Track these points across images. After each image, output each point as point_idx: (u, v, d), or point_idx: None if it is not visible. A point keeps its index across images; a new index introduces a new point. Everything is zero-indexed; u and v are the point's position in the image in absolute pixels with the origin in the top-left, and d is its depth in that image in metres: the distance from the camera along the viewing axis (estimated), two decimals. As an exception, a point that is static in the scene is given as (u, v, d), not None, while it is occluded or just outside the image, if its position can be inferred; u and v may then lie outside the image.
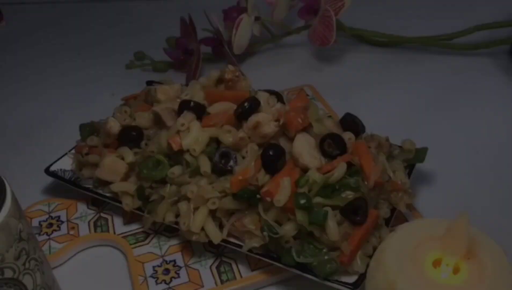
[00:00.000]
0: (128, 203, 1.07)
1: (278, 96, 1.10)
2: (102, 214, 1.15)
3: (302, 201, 0.91)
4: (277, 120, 1.01)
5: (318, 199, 0.93)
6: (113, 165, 1.10)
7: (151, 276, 1.01)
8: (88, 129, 1.21)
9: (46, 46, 1.91)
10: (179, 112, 1.07)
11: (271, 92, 1.10)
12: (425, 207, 1.11)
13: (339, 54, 1.68)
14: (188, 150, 1.01)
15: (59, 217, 1.16)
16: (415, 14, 1.85)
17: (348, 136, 1.02)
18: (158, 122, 1.11)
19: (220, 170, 0.99)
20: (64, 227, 1.13)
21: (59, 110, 1.53)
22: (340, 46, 1.69)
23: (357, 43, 1.73)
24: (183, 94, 1.10)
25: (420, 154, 1.13)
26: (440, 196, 1.14)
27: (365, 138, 1.07)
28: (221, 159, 1.00)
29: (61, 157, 1.22)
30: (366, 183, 0.97)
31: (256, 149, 0.98)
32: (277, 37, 1.70)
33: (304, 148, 0.98)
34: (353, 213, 0.93)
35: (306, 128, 1.03)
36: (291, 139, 1.01)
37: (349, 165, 0.99)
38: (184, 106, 1.06)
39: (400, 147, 1.13)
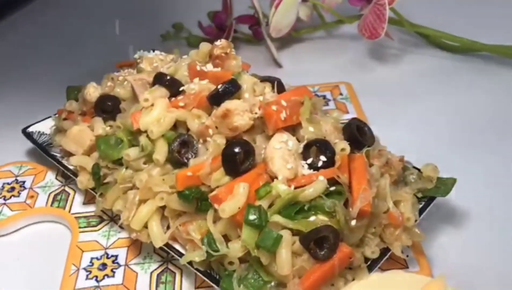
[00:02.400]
0: (83, 181, 0.94)
1: (278, 86, 0.90)
2: (66, 188, 1.04)
3: (252, 217, 0.72)
4: (255, 112, 0.81)
5: (276, 218, 0.73)
6: (79, 136, 0.97)
7: (85, 269, 0.87)
8: (76, 92, 1.09)
9: (84, 11, 1.83)
10: (152, 85, 0.90)
11: (266, 79, 0.91)
12: (439, 255, 0.86)
13: (396, 53, 1.43)
14: (146, 131, 0.85)
15: (24, 182, 1.06)
16: (492, 21, 1.52)
17: (342, 145, 0.80)
18: (135, 94, 0.96)
19: (176, 160, 0.82)
20: (24, 194, 1.03)
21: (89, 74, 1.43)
22: (398, 44, 1.44)
23: (419, 43, 1.46)
24: (165, 66, 0.93)
25: (445, 185, 0.87)
26: (462, 244, 0.88)
27: (369, 152, 0.83)
28: (181, 147, 0.82)
29: (44, 119, 1.12)
30: (349, 209, 0.75)
31: (219, 143, 0.79)
32: (327, 25, 1.48)
33: (277, 152, 0.77)
34: (317, 244, 0.71)
35: (294, 128, 0.83)
36: (268, 138, 0.81)
37: (333, 182, 0.77)
38: (158, 79, 0.89)
39: (419, 171, 0.88)
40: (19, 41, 1.64)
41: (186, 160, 0.81)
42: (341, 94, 1.25)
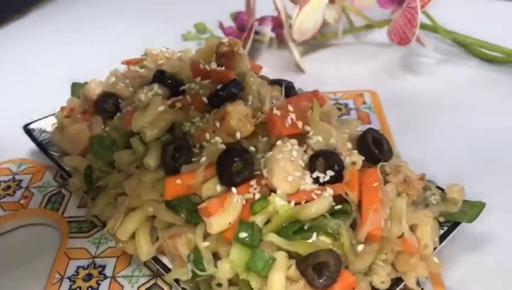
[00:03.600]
0: (75, 183, 0.88)
1: (287, 89, 0.82)
2: (63, 190, 0.98)
3: (243, 234, 0.63)
4: (257, 117, 0.73)
5: (271, 237, 0.64)
6: (76, 135, 0.92)
7: (69, 278, 0.81)
8: (80, 89, 1.04)
9: (104, 10, 1.79)
10: (151, 83, 0.83)
11: (275, 81, 0.82)
12: (460, 289, 0.75)
13: (428, 62, 1.32)
14: (139, 133, 0.78)
15: (21, 181, 1.01)
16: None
17: (353, 158, 0.71)
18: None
19: (168, 166, 0.74)
20: (19, 193, 0.99)
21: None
22: (431, 52, 1.33)
23: (454, 51, 1.35)
24: (168, 64, 0.87)
25: (472, 209, 0.77)
26: (486, 276, 0.77)
27: (384, 167, 0.74)
28: (175, 152, 0.75)
29: (47, 116, 1.07)
30: (357, 232, 0.66)
31: (216, 149, 0.72)
32: (355, 29, 1.38)
33: (278, 162, 0.69)
34: (316, 270, 0.62)
35: (302, 137, 0.74)
36: (271, 147, 0.73)
37: (340, 200, 0.68)
38: (157, 77, 0.83)
39: (443, 192, 0.78)
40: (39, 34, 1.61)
41: (178, 167, 0.73)
42: (364, 103, 1.16)
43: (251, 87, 0.77)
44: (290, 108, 0.74)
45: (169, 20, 1.64)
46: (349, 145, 0.76)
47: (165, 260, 0.75)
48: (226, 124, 0.72)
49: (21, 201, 0.96)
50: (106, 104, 0.92)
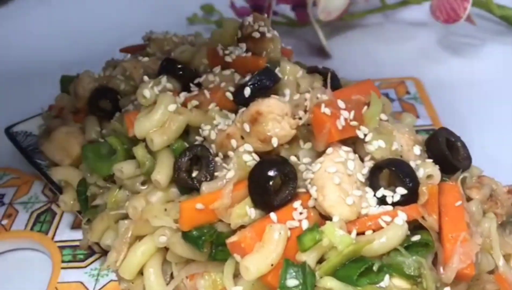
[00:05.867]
0: (66, 202, 0.71)
1: (333, 80, 0.64)
2: (53, 206, 0.82)
3: (292, 282, 0.47)
4: (298, 117, 0.56)
5: (329, 283, 0.48)
6: (66, 140, 0.76)
7: (60, 325, 0.64)
8: (71, 84, 0.86)
9: None
10: (158, 75, 0.66)
11: (315, 69, 0.65)
12: None
13: (473, 42, 1.15)
14: (144, 140, 0.61)
15: (3, 195, 0.86)
16: None
17: (429, 170, 0.53)
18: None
19: (184, 183, 0.57)
20: (1, 211, 0.84)
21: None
22: (479, 33, 1.14)
23: (505, 31, 1.16)
24: (177, 50, 0.69)
25: None
26: None
27: (465, 180, 0.56)
28: (192, 165, 0.58)
29: (33, 117, 0.90)
30: (439, 271, 0.49)
31: (246, 161, 0.54)
32: (388, 7, 1.20)
33: (332, 178, 0.52)
34: (394, 328, 0.46)
35: (354, 141, 0.57)
36: (317, 155, 0.55)
37: (416, 226, 0.51)
38: (165, 67, 0.65)
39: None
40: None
41: (197, 184, 0.56)
42: (408, 92, 0.99)
43: (288, 78, 0.59)
44: (341, 104, 0.56)
45: (172, 2, 1.45)
46: (416, 150, 0.59)
47: (182, 303, 0.58)
48: (259, 128, 0.55)
49: (3, 222, 0.82)
50: (102, 102, 0.75)
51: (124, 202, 0.64)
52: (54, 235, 0.77)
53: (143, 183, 0.62)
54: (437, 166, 0.55)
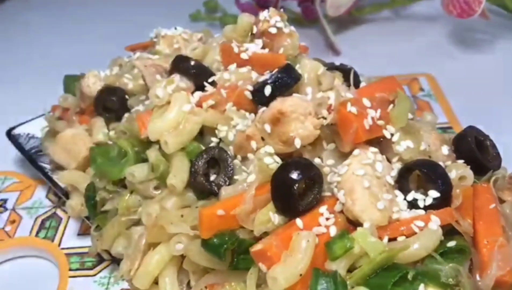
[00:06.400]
0: (74, 207, 0.68)
1: (348, 75, 0.61)
2: (58, 211, 0.78)
3: (323, 293, 0.43)
4: (321, 116, 0.53)
5: (361, 293, 0.44)
6: (72, 142, 0.72)
7: (71, 337, 0.61)
8: (75, 84, 0.83)
9: None
10: (170, 74, 0.63)
11: (335, 66, 0.62)
12: None
13: (489, 38, 1.12)
14: (158, 142, 0.57)
15: (6, 201, 0.83)
16: None
17: (461, 171, 0.51)
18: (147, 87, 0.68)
19: (201, 187, 0.54)
20: (4, 217, 0.80)
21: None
22: (491, 28, 1.12)
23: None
24: (189, 48, 0.66)
25: None
26: None
27: (496, 181, 0.54)
28: (209, 168, 0.55)
29: (35, 118, 0.86)
30: (475, 278, 0.46)
31: (268, 164, 0.51)
32: (397, 2, 1.18)
33: (361, 181, 0.49)
34: None
35: (380, 142, 0.54)
36: (342, 157, 0.52)
37: (449, 231, 0.48)
38: (177, 66, 0.62)
39: None
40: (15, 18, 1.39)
41: (216, 188, 0.53)
42: (422, 89, 0.96)
43: (309, 75, 0.56)
44: (367, 102, 0.53)
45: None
46: (445, 150, 0.56)
47: (200, 314, 0.55)
48: (281, 128, 0.52)
49: (7, 228, 0.78)
50: (109, 102, 0.72)
51: (136, 207, 0.61)
52: (60, 241, 0.74)
53: (156, 188, 0.59)
54: (467, 167, 0.52)
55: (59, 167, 0.75)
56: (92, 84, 0.75)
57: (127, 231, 0.62)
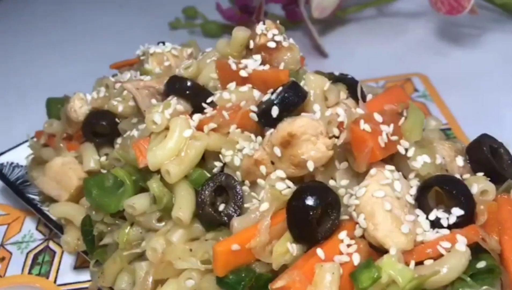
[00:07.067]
0: (70, 242, 0.64)
1: (352, 88, 0.58)
2: (51, 244, 0.74)
3: (356, 331, 0.41)
4: (332, 135, 0.50)
5: (394, 326, 0.42)
6: (62, 172, 0.68)
7: None
8: (59, 107, 0.79)
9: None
10: (165, 96, 0.59)
11: (339, 78, 0.59)
12: None
13: (478, 33, 1.10)
14: (158, 172, 0.54)
15: None
16: None
17: (483, 185, 0.48)
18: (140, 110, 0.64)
19: (210, 219, 0.51)
20: None
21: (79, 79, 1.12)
22: (479, 22, 1.10)
23: (504, 20, 1.13)
24: (182, 65, 0.62)
25: None
26: None
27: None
28: (215, 197, 0.51)
29: (19, 145, 0.82)
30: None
31: (281, 190, 0.48)
32: (382, 0, 1.15)
33: (382, 204, 0.46)
34: None
35: (394, 159, 0.51)
36: (356, 176, 0.50)
37: (475, 249, 0.46)
38: (172, 87, 0.58)
39: None
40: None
41: (226, 218, 0.50)
42: (416, 90, 0.94)
43: (315, 92, 0.53)
44: (378, 117, 0.51)
45: (151, 7, 1.38)
46: (460, 161, 0.54)
47: None
48: (292, 151, 0.49)
49: None
50: (99, 126, 0.68)
51: (138, 240, 0.58)
52: (56, 278, 0.70)
53: (159, 219, 0.55)
54: (487, 180, 0.50)
55: (49, 199, 0.71)
56: (79, 108, 0.71)
57: (130, 266, 0.58)
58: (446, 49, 1.08)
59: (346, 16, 1.20)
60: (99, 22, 1.34)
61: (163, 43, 0.76)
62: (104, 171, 0.65)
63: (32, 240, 0.75)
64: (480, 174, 0.51)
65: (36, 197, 0.74)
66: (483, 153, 0.54)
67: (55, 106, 0.80)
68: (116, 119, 0.68)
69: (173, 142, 0.54)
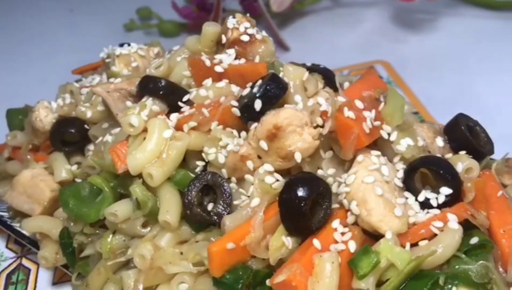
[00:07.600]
0: (48, 257, 0.61)
1: (327, 77, 0.58)
2: (24, 261, 0.70)
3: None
4: (317, 125, 0.50)
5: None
6: (32, 186, 0.64)
7: None
8: (20, 118, 0.75)
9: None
10: (138, 97, 0.57)
11: (314, 69, 0.59)
12: None
13: (427, 17, 1.14)
14: (139, 176, 0.52)
15: None
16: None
17: (466, 163, 0.49)
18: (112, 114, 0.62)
19: (200, 219, 0.49)
20: None
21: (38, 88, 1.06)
22: (434, 7, 1.13)
23: (457, 3, 1.16)
24: (153, 65, 0.60)
25: None
26: None
27: (496, 167, 0.53)
28: (202, 196, 0.50)
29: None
30: (498, 270, 0.45)
31: (271, 184, 0.47)
32: (338, -10, 1.16)
33: (373, 189, 0.46)
34: None
35: (378, 144, 0.52)
36: (342, 164, 0.50)
37: (465, 226, 0.46)
38: (146, 87, 0.56)
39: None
40: None
41: (216, 217, 0.49)
42: (380, 77, 0.94)
43: (294, 83, 0.53)
44: (359, 104, 0.51)
45: (103, 10, 1.34)
46: (439, 141, 0.54)
47: None
48: (279, 143, 0.49)
49: None
50: (68, 134, 0.65)
51: (122, 249, 0.56)
52: (33, 296, 0.67)
53: (144, 225, 0.53)
54: (471, 158, 0.51)
55: (20, 214, 0.67)
56: (44, 117, 0.68)
57: (115, 276, 0.56)
58: (404, 35, 1.10)
59: (304, 9, 1.20)
60: (49, 28, 1.29)
61: (128, 44, 0.74)
62: (78, 180, 0.63)
63: (3, 259, 0.71)
64: (463, 152, 0.52)
65: (5, 214, 0.70)
66: (462, 132, 0.55)
67: (16, 117, 0.77)
68: (86, 126, 0.66)
69: (153, 144, 0.52)
